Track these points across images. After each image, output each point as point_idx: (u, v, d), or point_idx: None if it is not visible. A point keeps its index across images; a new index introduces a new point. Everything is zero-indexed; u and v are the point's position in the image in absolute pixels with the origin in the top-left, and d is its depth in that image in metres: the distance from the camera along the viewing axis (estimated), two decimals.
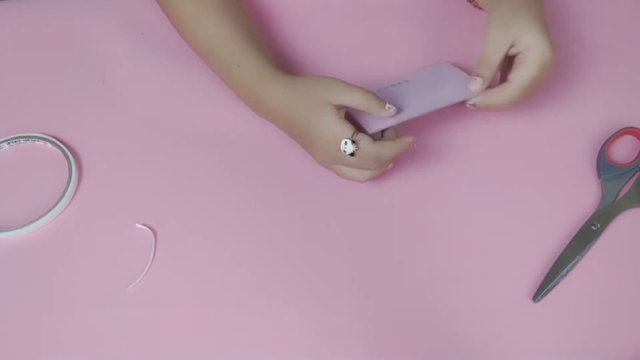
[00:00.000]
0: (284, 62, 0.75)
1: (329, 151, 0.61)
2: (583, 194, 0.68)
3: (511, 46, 0.62)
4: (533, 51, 0.61)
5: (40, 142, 0.71)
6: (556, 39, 0.79)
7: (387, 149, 0.61)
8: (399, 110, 0.62)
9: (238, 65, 0.66)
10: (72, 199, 0.67)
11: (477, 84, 0.63)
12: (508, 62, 0.64)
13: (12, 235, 0.65)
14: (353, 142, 0.60)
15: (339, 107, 0.61)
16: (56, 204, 0.66)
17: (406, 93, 0.66)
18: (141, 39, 0.75)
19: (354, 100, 0.60)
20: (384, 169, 0.63)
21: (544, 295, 0.61)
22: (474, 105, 0.65)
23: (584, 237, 0.64)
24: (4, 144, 0.70)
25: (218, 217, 0.66)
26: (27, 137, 0.71)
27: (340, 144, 0.60)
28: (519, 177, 0.69)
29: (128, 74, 0.75)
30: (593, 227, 0.65)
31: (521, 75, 0.62)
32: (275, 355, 0.60)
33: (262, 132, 0.71)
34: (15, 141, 0.71)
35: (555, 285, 0.62)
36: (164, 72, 0.73)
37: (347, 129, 0.60)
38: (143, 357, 0.59)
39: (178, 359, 0.59)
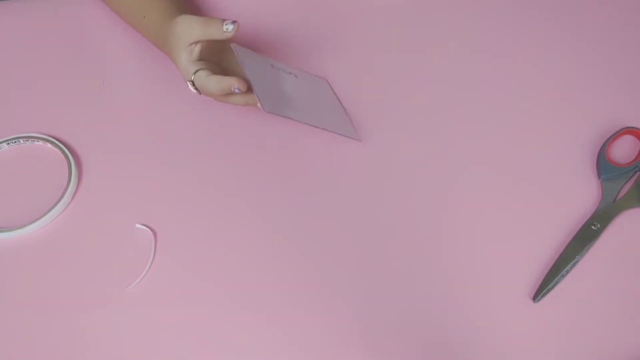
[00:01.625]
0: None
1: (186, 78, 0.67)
2: (583, 194, 0.68)
3: None
4: None
5: (40, 142, 0.71)
6: (556, 39, 0.79)
7: (225, 80, 0.64)
8: (291, 104, 0.67)
9: (144, 17, 0.71)
10: (72, 199, 0.67)
11: None
12: None
13: (12, 235, 0.65)
14: (191, 82, 0.66)
15: (191, 43, 0.65)
16: (56, 204, 0.66)
17: (293, 89, 0.69)
18: (141, 39, 0.75)
19: (197, 34, 0.64)
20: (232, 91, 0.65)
21: (544, 295, 0.61)
22: None
23: (584, 237, 0.64)
24: (4, 144, 0.70)
25: (218, 217, 0.66)
26: (27, 138, 0.71)
27: (187, 81, 0.66)
28: (519, 177, 0.69)
29: (128, 74, 0.75)
30: (593, 227, 0.65)
31: None
32: (275, 355, 0.60)
33: (263, 132, 0.71)
34: (15, 141, 0.71)
35: (555, 285, 0.62)
36: (164, 72, 0.73)
37: (190, 71, 0.65)
38: (143, 357, 0.59)
39: (178, 359, 0.59)
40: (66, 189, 0.67)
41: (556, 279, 0.62)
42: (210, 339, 0.60)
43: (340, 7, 0.81)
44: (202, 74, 0.65)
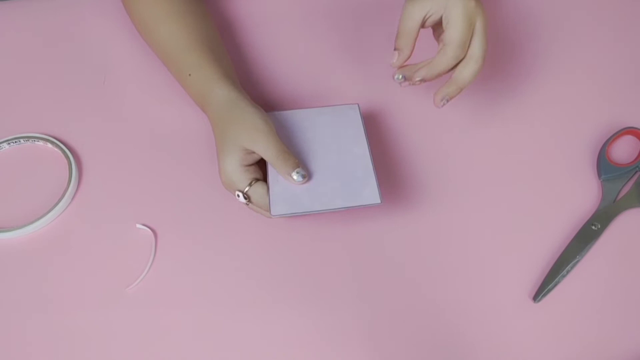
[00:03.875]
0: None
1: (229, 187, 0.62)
2: (583, 194, 0.68)
3: (427, 17, 0.61)
4: (453, 8, 0.60)
5: (40, 142, 0.71)
6: (556, 39, 0.79)
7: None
8: (308, 190, 0.60)
9: (189, 74, 0.66)
10: (72, 199, 0.67)
11: (395, 56, 0.62)
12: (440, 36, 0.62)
13: (12, 235, 0.65)
14: (245, 196, 0.60)
15: (249, 151, 0.60)
16: (56, 204, 0.66)
17: (313, 143, 0.64)
18: (141, 39, 0.75)
19: (264, 153, 0.60)
20: None
21: (544, 295, 0.61)
22: (422, 79, 0.62)
23: (584, 237, 0.64)
24: (4, 144, 0.70)
25: (218, 217, 0.66)
26: (27, 137, 0.71)
27: (235, 192, 0.61)
28: (519, 177, 0.69)
29: (128, 74, 0.75)
30: (593, 227, 0.65)
31: (451, 34, 0.60)
32: (276, 355, 0.60)
33: None
34: (16, 141, 0.71)
35: (555, 285, 0.62)
36: (164, 72, 0.73)
37: (243, 180, 0.60)
38: (143, 357, 0.59)
39: (178, 358, 0.59)
40: (66, 189, 0.67)
41: (556, 279, 0.62)
42: (210, 338, 0.60)
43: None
44: (261, 189, 0.60)
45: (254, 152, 0.60)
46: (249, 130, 0.60)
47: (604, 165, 0.68)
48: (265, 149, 0.60)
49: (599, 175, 0.68)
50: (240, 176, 0.60)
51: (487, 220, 0.66)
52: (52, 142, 0.70)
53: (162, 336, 0.60)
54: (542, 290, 0.62)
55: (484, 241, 0.65)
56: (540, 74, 0.76)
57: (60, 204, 0.66)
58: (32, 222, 0.65)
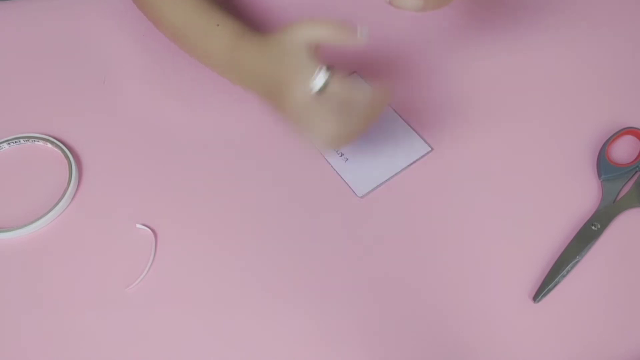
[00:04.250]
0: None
1: (299, 96, 0.56)
2: (583, 194, 0.68)
3: None
4: None
5: (41, 142, 0.71)
6: (556, 38, 0.79)
7: (361, 92, 0.56)
8: (371, 166, 0.67)
9: (217, 25, 0.62)
10: (72, 199, 0.67)
11: None
12: None
13: (12, 235, 0.65)
14: (327, 69, 0.55)
15: (309, 46, 0.56)
16: (56, 204, 0.66)
17: (372, 149, 0.69)
18: (141, 39, 0.75)
19: (321, 32, 0.56)
20: (354, 129, 0.58)
21: (544, 296, 0.61)
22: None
23: (584, 237, 0.64)
24: (4, 144, 0.70)
25: (218, 217, 0.66)
26: (27, 137, 0.71)
27: (310, 79, 0.55)
28: (519, 177, 0.69)
29: (128, 74, 0.75)
30: (593, 227, 0.65)
31: None
32: (276, 355, 0.60)
33: (264, 133, 0.71)
34: (15, 141, 0.71)
35: (555, 285, 0.62)
36: (164, 72, 0.73)
37: (319, 62, 0.56)
38: (143, 357, 0.59)
39: (178, 358, 0.59)
40: (66, 189, 0.67)
41: (556, 279, 0.62)
42: (210, 339, 0.60)
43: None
44: (338, 71, 0.55)
45: (312, 46, 0.56)
46: (296, 27, 0.56)
47: (604, 165, 0.68)
48: (320, 26, 0.56)
49: (599, 175, 0.68)
50: (314, 59, 0.55)
51: (487, 219, 0.66)
52: (52, 142, 0.70)
53: (162, 336, 0.60)
54: (542, 291, 0.61)
55: (483, 241, 0.65)
56: (539, 73, 0.76)
57: (60, 204, 0.66)
58: (31, 222, 0.65)
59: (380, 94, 0.59)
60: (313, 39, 0.56)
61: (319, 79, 0.55)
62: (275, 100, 0.59)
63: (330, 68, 0.56)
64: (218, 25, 0.62)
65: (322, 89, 0.55)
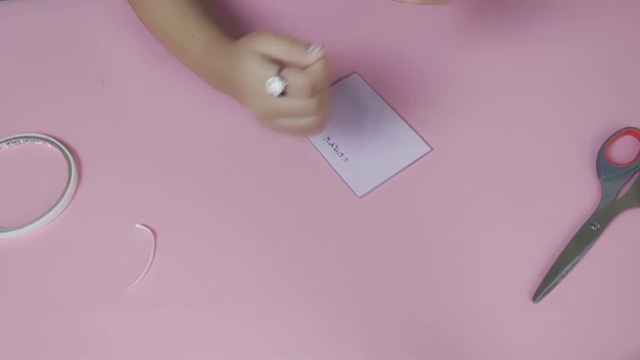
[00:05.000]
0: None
1: (261, 102, 0.58)
2: (583, 194, 0.68)
3: None
4: None
5: (40, 142, 0.71)
6: (557, 38, 0.79)
7: (316, 72, 0.56)
8: (371, 166, 0.68)
9: (192, 35, 0.65)
10: (72, 199, 0.67)
11: None
12: None
13: (12, 235, 0.65)
14: (281, 78, 0.56)
15: (264, 55, 0.57)
16: (56, 204, 0.66)
17: (372, 148, 0.69)
18: (141, 39, 0.75)
19: (276, 47, 0.57)
20: (321, 111, 0.59)
21: (544, 295, 0.61)
22: None
23: (584, 237, 0.64)
24: (4, 144, 0.70)
25: (218, 217, 0.66)
26: (27, 137, 0.71)
27: (265, 87, 0.56)
28: (519, 177, 0.69)
29: (128, 74, 0.75)
30: (593, 227, 0.65)
31: None
32: (275, 355, 0.60)
33: (264, 133, 0.71)
34: (15, 141, 0.71)
35: (555, 285, 0.62)
36: (164, 72, 0.73)
37: (271, 68, 0.56)
38: (143, 357, 0.59)
39: (178, 358, 0.59)
40: (66, 189, 0.67)
41: (556, 279, 0.62)
42: (210, 339, 0.60)
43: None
44: (290, 70, 0.56)
45: (267, 56, 0.57)
46: (255, 36, 0.58)
47: (604, 165, 0.68)
48: (275, 41, 0.57)
49: (599, 175, 0.68)
50: (266, 65, 0.56)
51: (487, 219, 0.66)
52: (51, 142, 0.70)
53: (162, 336, 0.60)
54: (541, 291, 0.61)
55: (483, 241, 0.65)
56: (539, 73, 0.76)
57: (60, 204, 0.66)
58: (31, 222, 0.65)
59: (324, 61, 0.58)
60: (266, 51, 0.57)
61: (274, 87, 0.56)
62: (244, 103, 0.62)
63: (284, 73, 0.56)
64: (193, 35, 0.65)
65: (283, 93, 0.57)
